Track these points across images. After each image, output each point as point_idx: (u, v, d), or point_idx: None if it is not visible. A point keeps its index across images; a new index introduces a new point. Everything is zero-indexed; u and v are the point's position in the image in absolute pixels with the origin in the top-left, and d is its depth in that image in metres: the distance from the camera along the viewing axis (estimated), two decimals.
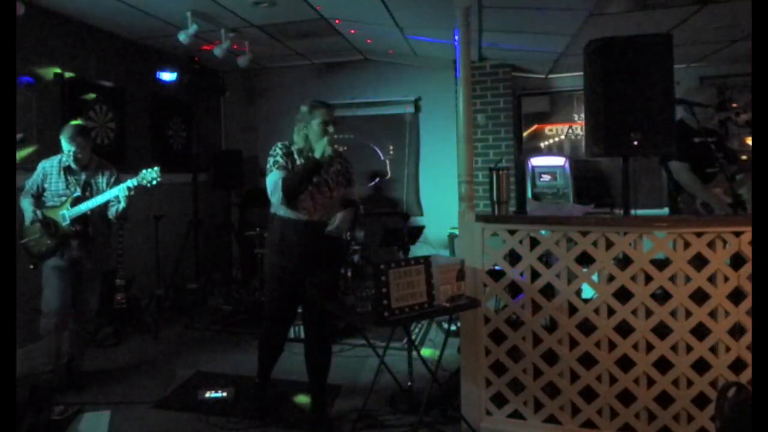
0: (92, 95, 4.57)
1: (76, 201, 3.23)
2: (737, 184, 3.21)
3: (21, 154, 3.81)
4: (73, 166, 3.29)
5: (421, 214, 6.00)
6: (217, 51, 4.71)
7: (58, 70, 4.22)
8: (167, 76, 5.27)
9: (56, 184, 3.29)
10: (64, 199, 3.26)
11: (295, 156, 2.75)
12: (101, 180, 3.37)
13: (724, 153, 3.36)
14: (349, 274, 4.84)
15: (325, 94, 6.20)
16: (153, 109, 5.40)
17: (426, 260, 2.48)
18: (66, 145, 3.23)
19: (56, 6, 4.05)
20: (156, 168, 3.20)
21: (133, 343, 4.28)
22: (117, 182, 3.34)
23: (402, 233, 4.62)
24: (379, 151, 6.21)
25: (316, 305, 2.83)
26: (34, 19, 3.92)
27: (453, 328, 3.65)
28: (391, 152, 6.18)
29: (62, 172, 3.30)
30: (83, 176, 3.32)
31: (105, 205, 3.27)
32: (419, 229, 4.99)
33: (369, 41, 5.20)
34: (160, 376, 3.62)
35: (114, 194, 3.19)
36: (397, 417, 2.96)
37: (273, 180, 2.65)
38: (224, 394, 3.14)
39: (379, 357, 2.96)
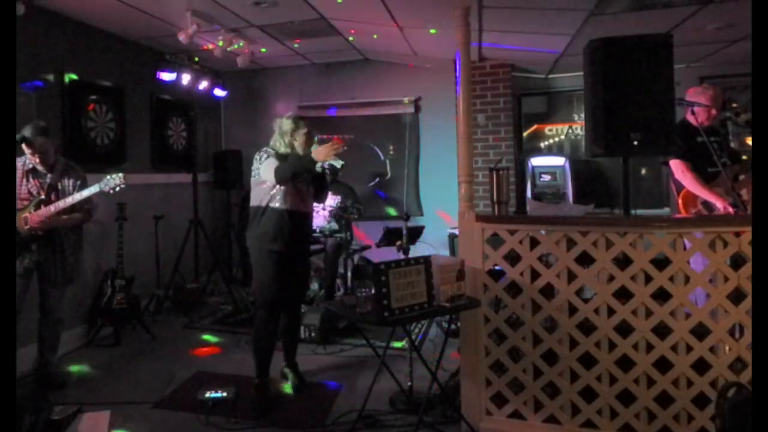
0: (92, 95, 4.57)
1: (40, 205, 3.14)
2: (739, 185, 3.20)
3: None
4: (38, 168, 3.20)
5: (421, 214, 6.00)
6: (217, 51, 4.71)
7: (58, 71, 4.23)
8: (167, 76, 5.26)
9: (18, 187, 3.17)
10: (26, 203, 3.16)
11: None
12: (67, 183, 3.28)
13: (728, 153, 3.36)
14: (350, 273, 4.85)
15: (325, 94, 6.23)
16: (153, 109, 5.40)
17: (426, 260, 2.48)
18: (25, 147, 3.11)
19: (56, 6, 4.05)
20: (120, 174, 3.20)
21: (133, 343, 4.28)
22: (83, 186, 3.27)
23: (402, 233, 4.61)
24: (379, 151, 6.21)
25: (301, 288, 3.49)
26: (34, 19, 3.92)
27: (453, 327, 3.65)
28: (391, 152, 6.18)
29: (26, 175, 3.20)
30: (48, 179, 3.23)
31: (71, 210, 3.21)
32: (419, 229, 4.98)
33: (375, 35, 5.11)
34: (160, 376, 3.62)
35: (76, 200, 3.14)
36: (397, 417, 2.96)
37: (273, 164, 3.07)
38: (224, 394, 3.14)
39: (379, 357, 2.96)
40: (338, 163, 3.21)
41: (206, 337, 4.49)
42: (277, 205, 3.16)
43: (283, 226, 3.15)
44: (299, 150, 3.21)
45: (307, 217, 3.32)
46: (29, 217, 3.13)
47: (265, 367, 3.22)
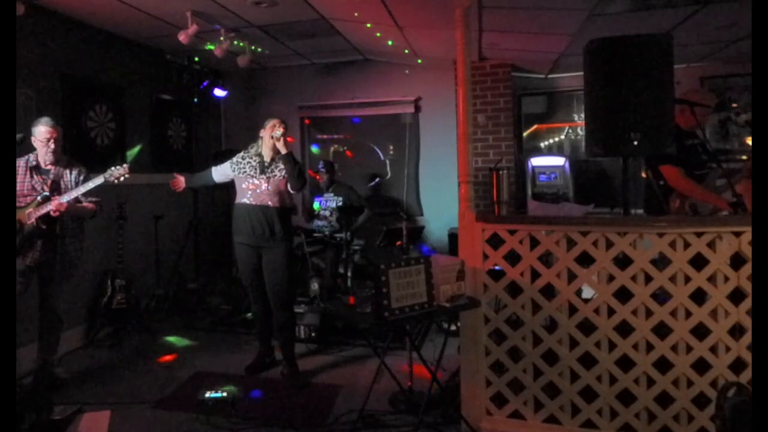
0: (92, 95, 4.57)
1: (44, 201, 3.15)
2: (718, 190, 3.15)
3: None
4: (45, 160, 3.24)
5: (421, 214, 6.00)
6: (218, 51, 4.70)
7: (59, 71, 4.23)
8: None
9: (21, 184, 3.20)
10: (29, 199, 3.18)
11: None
12: (69, 179, 3.31)
13: (709, 156, 3.33)
14: (349, 273, 4.85)
15: (325, 94, 6.23)
16: (153, 109, 5.40)
17: (426, 260, 2.48)
18: (44, 132, 3.16)
19: (56, 6, 4.05)
20: (124, 165, 3.24)
21: (133, 343, 4.28)
22: (87, 179, 3.30)
23: (402, 233, 4.63)
24: (379, 151, 6.21)
25: (274, 276, 3.45)
26: (34, 19, 3.92)
27: (453, 327, 3.65)
28: (391, 152, 6.18)
29: (29, 173, 3.23)
30: (51, 175, 3.26)
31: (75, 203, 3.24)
32: (419, 229, 4.99)
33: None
34: (160, 376, 3.62)
35: (80, 192, 3.17)
36: (397, 417, 2.96)
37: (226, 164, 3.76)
38: (224, 394, 3.13)
39: (379, 357, 2.96)
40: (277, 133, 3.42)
41: (206, 336, 4.50)
42: (238, 200, 3.55)
43: (240, 219, 3.49)
44: (264, 139, 3.53)
45: (265, 210, 3.44)
46: (32, 213, 3.14)
47: (262, 338, 3.74)
